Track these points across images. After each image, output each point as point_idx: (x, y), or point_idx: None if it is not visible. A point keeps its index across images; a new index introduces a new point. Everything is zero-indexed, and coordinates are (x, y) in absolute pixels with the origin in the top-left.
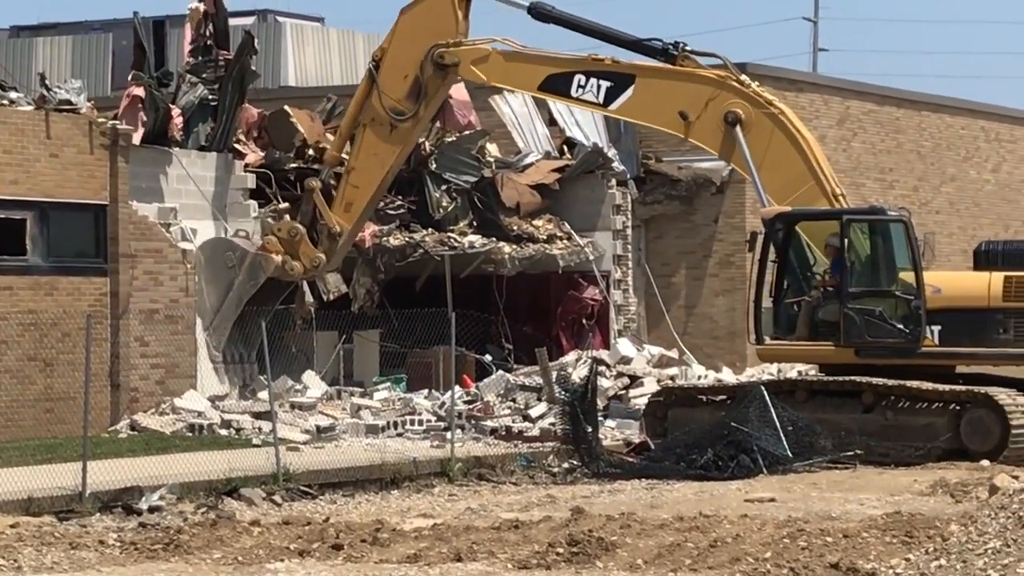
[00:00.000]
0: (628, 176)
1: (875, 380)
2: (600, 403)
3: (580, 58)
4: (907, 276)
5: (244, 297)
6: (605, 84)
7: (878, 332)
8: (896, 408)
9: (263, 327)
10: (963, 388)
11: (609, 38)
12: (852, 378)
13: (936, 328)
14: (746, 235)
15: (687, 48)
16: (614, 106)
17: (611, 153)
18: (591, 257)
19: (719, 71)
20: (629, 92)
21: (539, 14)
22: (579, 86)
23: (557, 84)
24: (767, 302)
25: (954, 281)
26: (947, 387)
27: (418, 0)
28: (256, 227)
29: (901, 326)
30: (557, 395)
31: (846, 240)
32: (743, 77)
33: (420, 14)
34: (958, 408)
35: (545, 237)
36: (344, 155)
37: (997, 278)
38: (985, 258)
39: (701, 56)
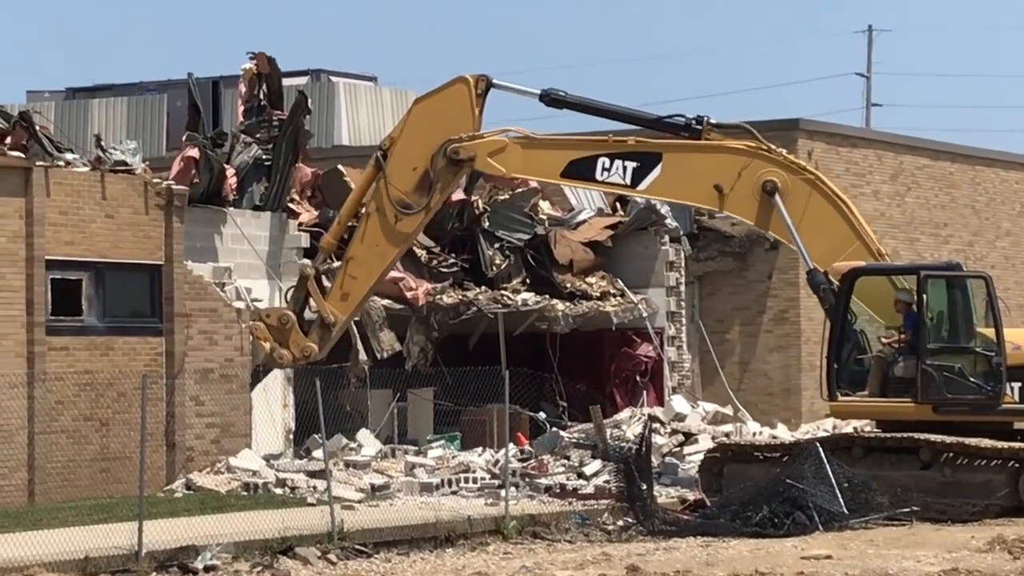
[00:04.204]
0: (681, 232)
1: (932, 437)
2: (655, 460)
3: (601, 140)
4: (985, 332)
5: None
6: (631, 165)
7: (958, 389)
8: (954, 465)
9: (317, 384)
10: (1021, 445)
11: (627, 118)
12: (910, 435)
13: (1016, 385)
14: (799, 291)
15: (711, 121)
16: (642, 186)
17: (664, 210)
18: (644, 314)
19: (748, 141)
20: (657, 171)
21: (552, 100)
22: (604, 169)
23: (580, 169)
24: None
25: None
26: (1005, 444)
27: (434, 91)
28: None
29: (981, 383)
30: (611, 453)
31: (924, 296)
32: (771, 145)
33: (435, 106)
34: (1016, 465)
35: (598, 294)
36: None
37: None
38: None
39: (725, 129)
